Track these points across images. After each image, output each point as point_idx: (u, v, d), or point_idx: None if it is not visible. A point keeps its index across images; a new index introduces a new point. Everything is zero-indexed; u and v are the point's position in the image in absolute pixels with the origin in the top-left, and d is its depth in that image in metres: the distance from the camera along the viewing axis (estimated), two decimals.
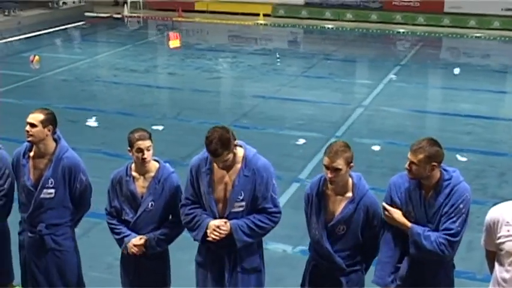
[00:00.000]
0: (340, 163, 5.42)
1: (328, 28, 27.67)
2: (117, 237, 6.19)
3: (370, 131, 14.78)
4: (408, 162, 5.44)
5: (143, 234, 6.08)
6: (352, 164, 5.52)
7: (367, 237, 5.69)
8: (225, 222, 5.68)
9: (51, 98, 16.92)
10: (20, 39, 24.77)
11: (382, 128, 14.92)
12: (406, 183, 5.57)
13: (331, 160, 5.42)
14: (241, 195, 5.73)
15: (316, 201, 5.68)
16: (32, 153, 6.30)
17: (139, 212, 6.10)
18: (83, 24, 28.64)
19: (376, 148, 13.59)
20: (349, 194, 5.62)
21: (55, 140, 6.31)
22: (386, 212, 5.60)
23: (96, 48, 25.19)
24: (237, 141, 5.78)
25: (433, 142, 5.45)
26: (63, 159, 6.24)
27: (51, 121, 6.20)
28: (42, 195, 6.24)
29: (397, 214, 5.55)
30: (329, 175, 5.47)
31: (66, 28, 27.59)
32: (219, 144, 5.53)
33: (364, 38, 26.59)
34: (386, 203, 5.62)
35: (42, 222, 6.29)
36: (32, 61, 21.20)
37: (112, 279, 6.68)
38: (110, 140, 13.30)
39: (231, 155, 5.64)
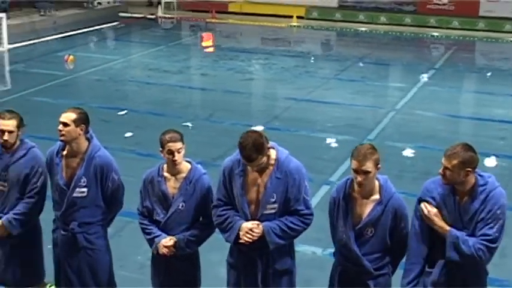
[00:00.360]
0: (369, 166, 5.40)
1: (361, 31, 27.60)
2: (148, 237, 6.21)
3: (402, 134, 14.72)
4: (442, 168, 5.38)
5: (173, 234, 6.10)
6: (379, 166, 5.49)
7: (394, 240, 5.66)
8: (258, 225, 5.69)
9: (84, 98, 17.02)
10: (55, 38, 24.97)
11: (415, 132, 14.84)
12: (439, 188, 5.50)
13: (360, 163, 5.40)
14: (273, 197, 5.74)
15: (343, 205, 5.66)
16: (65, 152, 6.34)
17: (170, 213, 6.12)
18: (117, 25, 28.82)
19: (408, 152, 13.52)
20: (377, 197, 5.59)
21: (87, 139, 6.34)
22: (425, 211, 5.50)
23: (130, 48, 25.32)
24: (270, 143, 5.79)
25: (468, 147, 5.38)
26: (95, 158, 6.27)
27: (83, 120, 6.23)
28: (74, 194, 6.27)
29: (436, 216, 5.47)
30: (358, 178, 5.45)
31: (100, 28, 27.78)
32: (253, 149, 5.55)
33: (398, 41, 26.47)
34: (416, 216, 5.57)
35: (75, 220, 6.33)
36: (67, 60, 21.37)
37: (143, 280, 6.69)
38: (142, 139, 13.36)
39: (264, 159, 5.65)
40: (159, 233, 6.14)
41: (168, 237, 6.09)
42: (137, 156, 11.86)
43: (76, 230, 6.34)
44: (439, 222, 5.46)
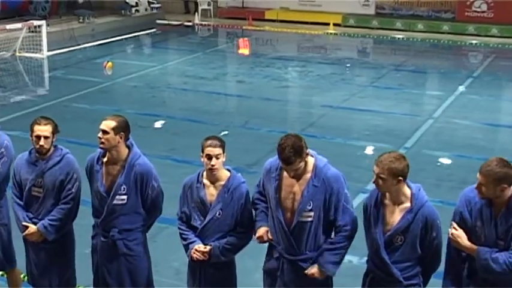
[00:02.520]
0: (384, 173, 5.39)
1: (398, 38, 27.46)
2: (184, 242, 6.23)
3: (439, 143, 14.60)
4: (478, 183, 5.35)
5: (209, 241, 6.10)
6: (400, 178, 5.43)
7: (426, 250, 5.60)
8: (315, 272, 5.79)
9: (121, 104, 17.15)
10: (93, 45, 25.19)
11: (452, 141, 14.72)
12: (477, 197, 5.46)
13: (377, 168, 5.43)
14: (310, 205, 5.73)
15: (375, 211, 5.64)
16: (105, 159, 6.37)
17: (207, 220, 6.12)
18: (154, 32, 28.98)
19: (446, 161, 13.42)
20: (407, 205, 5.55)
21: (128, 147, 6.37)
22: (453, 232, 5.50)
23: (167, 55, 25.45)
24: (309, 151, 5.78)
25: (504, 163, 5.31)
26: (135, 165, 6.30)
27: (123, 128, 6.27)
28: (114, 202, 6.31)
29: (462, 238, 5.46)
30: (379, 182, 5.46)
31: (138, 35, 27.96)
32: (292, 152, 5.55)
33: (435, 48, 26.30)
34: (455, 220, 5.54)
35: (115, 227, 6.36)
36: (105, 67, 21.53)
37: (179, 285, 6.72)
38: (178, 146, 13.41)
39: (302, 164, 5.64)
40: (195, 239, 6.15)
41: (203, 245, 6.09)
42: (173, 162, 11.89)
43: (116, 236, 6.38)
44: (465, 243, 5.45)
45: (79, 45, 24.91)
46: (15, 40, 23.10)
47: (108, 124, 6.22)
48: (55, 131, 6.58)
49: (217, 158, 6.00)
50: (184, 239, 6.22)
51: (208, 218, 6.11)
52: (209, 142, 6.02)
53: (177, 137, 14.34)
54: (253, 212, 6.03)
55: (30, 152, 6.70)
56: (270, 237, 5.85)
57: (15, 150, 7.03)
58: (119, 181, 6.28)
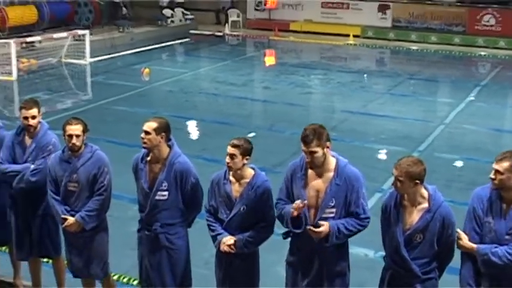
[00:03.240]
0: (401, 176, 5.41)
1: (413, 49, 27.32)
2: (212, 234, 6.25)
3: (450, 147, 14.56)
4: (493, 172, 5.40)
5: (234, 234, 6.12)
6: (417, 181, 5.44)
7: (442, 246, 5.60)
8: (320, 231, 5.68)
9: (158, 107, 17.20)
10: (131, 53, 25.31)
11: (462, 145, 14.67)
12: (488, 195, 5.51)
13: (396, 171, 5.45)
14: (332, 202, 5.73)
15: (394, 212, 5.62)
16: (148, 158, 6.42)
17: (232, 214, 6.14)
18: (187, 41, 29.07)
19: (456, 163, 13.36)
20: (425, 205, 5.55)
21: (169, 146, 6.41)
22: (458, 239, 5.57)
23: (199, 62, 25.52)
24: (331, 152, 5.79)
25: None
26: (175, 164, 6.33)
27: (164, 129, 6.31)
28: (156, 197, 6.34)
29: (464, 239, 5.54)
30: (397, 185, 5.48)
31: (172, 44, 28.06)
32: (313, 132, 5.62)
33: (447, 59, 26.13)
34: (470, 216, 5.59)
35: (158, 221, 6.39)
36: (143, 73, 21.63)
37: (208, 274, 6.73)
38: (209, 146, 13.45)
39: (320, 151, 5.65)
40: (222, 231, 6.17)
41: (229, 236, 6.11)
42: (203, 161, 11.88)
43: (158, 230, 6.41)
44: (466, 243, 5.52)
45: (119, 52, 25.05)
46: (61, 47, 23.26)
47: (150, 125, 6.28)
48: (85, 130, 6.67)
49: (232, 158, 6.02)
50: (212, 231, 6.24)
51: (233, 212, 6.14)
52: (232, 141, 6.06)
53: (208, 138, 14.38)
54: (277, 211, 6.00)
55: (63, 151, 6.79)
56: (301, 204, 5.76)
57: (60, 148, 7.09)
58: (160, 178, 6.32)
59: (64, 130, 6.64)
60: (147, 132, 6.26)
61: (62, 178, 6.69)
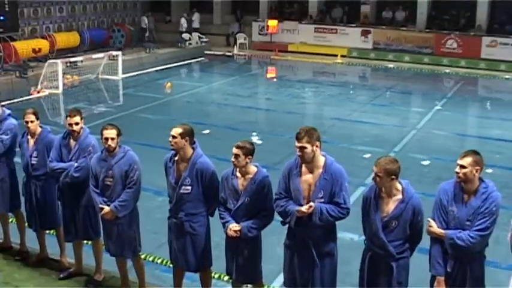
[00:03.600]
0: (381, 172, 5.44)
1: (390, 67, 27.32)
2: (222, 221, 6.26)
3: (421, 148, 14.56)
4: (458, 167, 5.40)
5: (240, 221, 6.14)
6: (393, 177, 5.47)
7: (413, 230, 5.60)
8: (310, 206, 5.68)
9: (177, 115, 17.27)
10: (156, 70, 25.35)
11: (431, 147, 14.65)
12: (452, 188, 5.52)
13: (374, 168, 5.49)
14: (321, 193, 5.74)
15: (374, 202, 5.62)
16: (176, 158, 6.44)
17: (238, 204, 6.15)
18: (203, 60, 29.10)
19: (426, 162, 13.36)
20: (400, 196, 5.56)
21: (193, 148, 6.42)
22: (429, 226, 5.56)
23: (212, 77, 25.54)
24: (321, 152, 5.80)
25: (476, 152, 5.46)
26: (197, 163, 6.34)
27: (188, 134, 6.32)
28: (181, 191, 6.34)
29: (434, 227, 5.53)
30: (377, 180, 5.51)
31: (190, 62, 28.10)
32: (304, 130, 5.68)
33: (418, 76, 26.09)
34: (436, 206, 5.58)
35: (183, 211, 6.39)
36: (166, 87, 21.66)
37: (218, 255, 6.75)
38: (219, 147, 13.38)
39: (309, 148, 5.65)
40: (230, 218, 6.18)
41: (235, 223, 6.13)
42: (215, 160, 11.80)
43: (183, 219, 6.41)
44: (435, 229, 5.52)
45: (145, 69, 25.09)
46: (98, 66, 23.35)
47: (176, 131, 6.30)
48: (119, 134, 6.71)
49: (236, 157, 6.06)
50: (222, 218, 6.25)
51: (239, 203, 6.15)
52: (235, 144, 6.11)
53: (219, 141, 14.37)
54: (280, 207, 5.92)
55: (102, 151, 6.83)
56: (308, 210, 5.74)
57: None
58: (184, 175, 6.33)
59: (101, 134, 6.68)
60: (174, 137, 6.28)
61: (100, 174, 6.72)
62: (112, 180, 6.69)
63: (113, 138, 6.63)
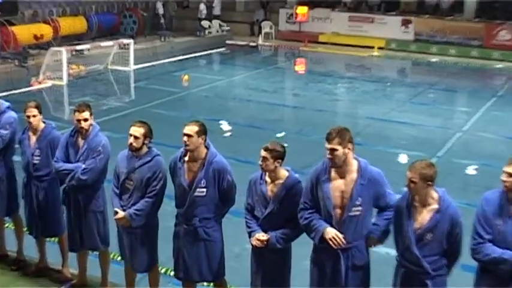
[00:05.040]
0: (415, 177, 5.40)
1: (433, 61, 27.16)
2: (248, 230, 6.25)
3: (467, 153, 14.46)
4: (506, 175, 5.37)
5: (268, 231, 6.12)
6: (429, 183, 5.43)
7: (451, 244, 5.56)
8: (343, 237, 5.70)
9: (194, 111, 17.28)
10: (171, 61, 25.45)
11: (478, 151, 14.56)
12: (497, 199, 5.47)
13: (408, 172, 5.46)
14: (358, 201, 5.70)
15: (406, 212, 5.59)
16: (186, 158, 6.43)
17: (266, 212, 6.14)
18: (223, 50, 29.17)
19: (472, 168, 13.26)
20: (435, 206, 5.51)
21: (206, 147, 6.42)
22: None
23: (234, 70, 25.60)
24: (354, 155, 5.77)
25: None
26: (213, 163, 6.34)
27: (204, 131, 6.33)
28: (195, 194, 6.33)
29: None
30: (407, 185, 5.49)
31: (210, 53, 28.17)
32: (336, 131, 5.66)
33: (465, 71, 25.93)
34: (479, 219, 5.53)
35: (196, 216, 6.38)
36: (183, 79, 21.73)
37: (238, 267, 6.76)
38: (240, 148, 13.47)
39: (340, 150, 5.63)
40: (257, 228, 6.18)
41: (262, 233, 6.11)
42: (235, 162, 11.81)
43: (197, 224, 6.41)
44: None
45: (160, 60, 25.23)
46: (108, 55, 23.51)
47: (192, 129, 6.28)
48: (147, 134, 6.62)
49: (264, 161, 6.05)
50: (249, 227, 6.25)
51: (267, 210, 6.13)
52: (264, 146, 6.09)
53: (241, 140, 14.42)
54: (305, 219, 5.90)
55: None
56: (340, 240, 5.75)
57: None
58: (199, 176, 6.32)
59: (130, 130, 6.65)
60: (189, 135, 6.26)
61: (122, 174, 6.69)
62: (132, 184, 6.65)
63: (136, 137, 6.56)
